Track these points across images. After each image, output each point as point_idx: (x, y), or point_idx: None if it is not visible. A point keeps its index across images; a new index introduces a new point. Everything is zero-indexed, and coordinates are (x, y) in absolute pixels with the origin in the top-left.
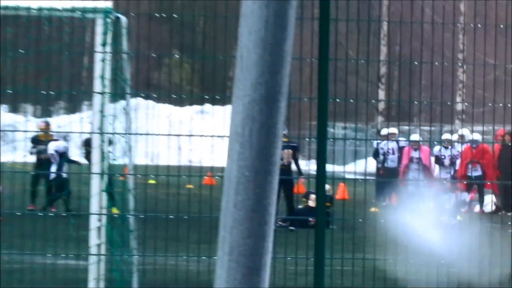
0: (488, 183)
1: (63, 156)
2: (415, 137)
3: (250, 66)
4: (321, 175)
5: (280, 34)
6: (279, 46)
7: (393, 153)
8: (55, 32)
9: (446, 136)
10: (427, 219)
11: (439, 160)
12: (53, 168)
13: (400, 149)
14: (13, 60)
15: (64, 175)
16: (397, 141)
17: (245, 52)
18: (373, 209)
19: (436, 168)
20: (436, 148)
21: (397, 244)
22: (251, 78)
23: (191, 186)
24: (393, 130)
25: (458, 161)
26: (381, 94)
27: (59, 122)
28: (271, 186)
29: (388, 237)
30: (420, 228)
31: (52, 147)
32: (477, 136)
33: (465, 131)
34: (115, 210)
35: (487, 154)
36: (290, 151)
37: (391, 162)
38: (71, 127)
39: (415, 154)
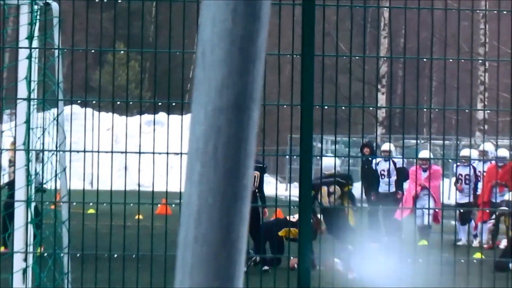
0: None
1: None
2: (424, 154)
3: (215, 65)
4: (305, 201)
5: (251, 25)
6: (250, 40)
7: (389, 175)
8: None
9: (464, 152)
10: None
11: (456, 182)
12: None
13: (401, 170)
14: None
15: None
16: (392, 160)
17: (208, 48)
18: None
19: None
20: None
21: None
22: (216, 80)
23: (141, 217)
24: (386, 146)
25: (480, 184)
26: (382, 99)
27: None
28: (241, 215)
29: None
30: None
31: None
32: (504, 152)
33: (489, 146)
34: (42, 248)
35: None
36: (257, 173)
37: (385, 185)
38: None
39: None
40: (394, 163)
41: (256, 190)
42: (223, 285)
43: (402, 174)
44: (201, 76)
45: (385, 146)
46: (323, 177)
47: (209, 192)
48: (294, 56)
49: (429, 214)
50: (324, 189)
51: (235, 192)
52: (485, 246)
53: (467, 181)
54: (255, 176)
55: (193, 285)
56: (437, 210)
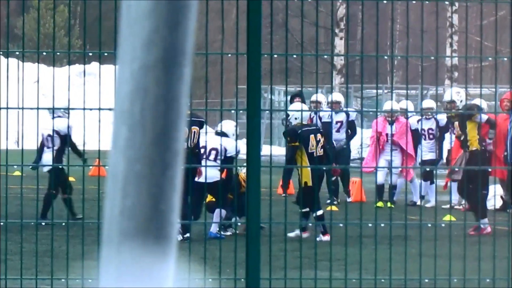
0: (490, 169)
1: None
2: (389, 105)
3: (140, 17)
4: (254, 160)
5: None
6: None
7: (338, 130)
8: None
9: (427, 103)
10: None
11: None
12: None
13: (350, 123)
14: None
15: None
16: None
17: None
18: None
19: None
20: (413, 120)
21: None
22: (142, 34)
23: (72, 179)
24: (336, 97)
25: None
26: (340, 45)
27: None
28: (173, 184)
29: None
30: None
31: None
32: (475, 102)
33: (457, 96)
34: None
35: (493, 127)
36: (196, 128)
37: (335, 141)
38: None
39: (387, 129)
40: (348, 115)
41: (194, 147)
42: (153, 262)
43: (352, 128)
44: (125, 31)
45: (335, 97)
46: (304, 126)
47: (136, 159)
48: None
49: (391, 173)
50: (312, 137)
51: (165, 159)
52: (456, 207)
53: (431, 136)
54: (194, 132)
55: (120, 263)
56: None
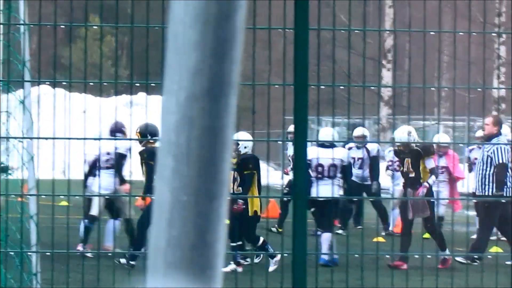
0: None
1: None
2: (442, 137)
3: (187, 48)
4: (300, 191)
5: (228, 2)
6: (227, 18)
7: (361, 166)
8: None
9: (479, 134)
10: None
11: (471, 168)
12: None
13: (373, 158)
14: None
15: None
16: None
17: (180, 29)
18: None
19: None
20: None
21: None
22: (189, 64)
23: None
24: (359, 131)
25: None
26: (387, 76)
27: None
28: (218, 214)
29: None
30: None
31: None
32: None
33: (505, 129)
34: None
35: None
36: None
37: (355, 176)
38: None
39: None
40: (368, 151)
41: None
42: None
43: (376, 164)
44: (172, 61)
45: (358, 131)
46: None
47: (182, 189)
48: (287, 30)
49: (439, 204)
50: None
51: (211, 189)
52: (502, 238)
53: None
54: None
55: None
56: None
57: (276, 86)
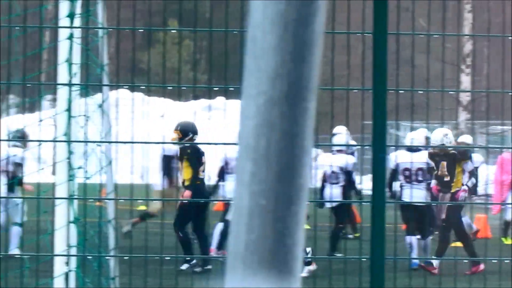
0: None
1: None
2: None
3: (266, 52)
4: (379, 196)
5: (307, 6)
6: (305, 23)
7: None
8: None
9: None
10: None
11: None
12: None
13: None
14: None
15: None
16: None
17: (259, 34)
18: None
19: None
20: None
21: None
22: (268, 69)
23: None
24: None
25: None
26: (466, 81)
27: (9, 124)
28: (297, 219)
29: None
30: None
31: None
32: None
33: None
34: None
35: None
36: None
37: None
38: (26, 132)
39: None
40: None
41: None
42: None
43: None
44: (251, 65)
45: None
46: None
47: (261, 194)
48: (366, 34)
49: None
50: None
51: (290, 194)
52: None
53: None
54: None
55: None
56: None
57: (354, 90)
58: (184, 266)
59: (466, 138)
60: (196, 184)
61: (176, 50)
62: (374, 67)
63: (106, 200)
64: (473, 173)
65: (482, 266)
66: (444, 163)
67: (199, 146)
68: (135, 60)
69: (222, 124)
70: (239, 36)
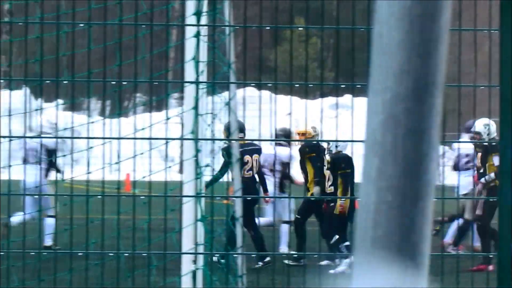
0: None
1: None
2: None
3: (392, 48)
4: (505, 194)
5: (433, 2)
6: (431, 19)
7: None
8: None
9: None
10: None
11: None
12: None
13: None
14: (69, 38)
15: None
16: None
17: (385, 30)
18: None
19: None
20: None
21: None
22: (394, 65)
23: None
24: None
25: None
26: None
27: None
28: (424, 215)
29: None
30: None
31: None
32: None
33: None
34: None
35: None
36: (256, 156)
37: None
38: (153, 130)
39: None
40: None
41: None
42: None
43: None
44: (377, 61)
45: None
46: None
47: (387, 190)
48: (492, 31)
49: None
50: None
51: (416, 189)
52: None
53: None
54: (256, 160)
55: None
56: None
57: (481, 87)
58: (259, 264)
59: None
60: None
61: (303, 48)
62: (501, 64)
63: (233, 198)
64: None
65: (491, 267)
66: (479, 155)
67: (242, 145)
68: (262, 58)
69: (349, 122)
70: (365, 34)
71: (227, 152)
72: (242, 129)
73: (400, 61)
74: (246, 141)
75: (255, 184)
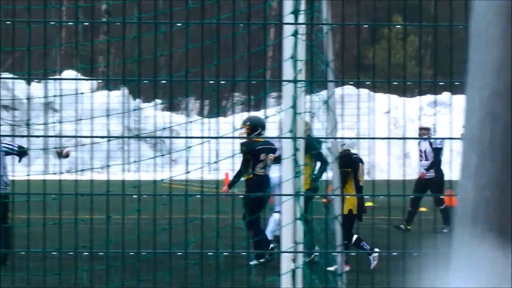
0: None
1: None
2: None
3: (490, 44)
4: None
5: None
6: None
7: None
8: None
9: None
10: None
11: None
12: None
13: (437, 150)
14: (167, 38)
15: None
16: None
17: (483, 26)
18: None
19: None
20: None
21: None
22: (492, 61)
23: (424, 209)
24: (426, 124)
25: None
26: None
27: (235, 122)
28: None
29: None
30: None
31: None
32: None
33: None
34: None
35: None
36: (272, 156)
37: (422, 168)
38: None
39: None
40: (430, 143)
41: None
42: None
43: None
44: (475, 58)
45: (426, 124)
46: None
47: (486, 186)
48: None
49: None
50: (361, 166)
51: None
52: None
53: None
54: (271, 159)
55: None
56: None
57: None
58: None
59: None
60: (251, 179)
61: (401, 45)
62: None
63: (332, 198)
64: None
65: None
66: None
67: (259, 143)
68: (360, 56)
69: (448, 119)
70: (463, 31)
71: (246, 147)
72: (263, 126)
73: (498, 57)
74: (265, 139)
75: (268, 183)
